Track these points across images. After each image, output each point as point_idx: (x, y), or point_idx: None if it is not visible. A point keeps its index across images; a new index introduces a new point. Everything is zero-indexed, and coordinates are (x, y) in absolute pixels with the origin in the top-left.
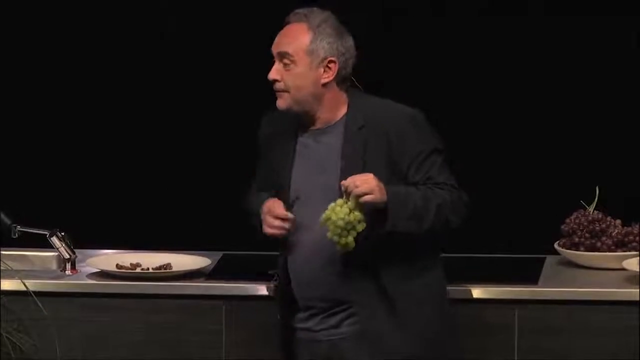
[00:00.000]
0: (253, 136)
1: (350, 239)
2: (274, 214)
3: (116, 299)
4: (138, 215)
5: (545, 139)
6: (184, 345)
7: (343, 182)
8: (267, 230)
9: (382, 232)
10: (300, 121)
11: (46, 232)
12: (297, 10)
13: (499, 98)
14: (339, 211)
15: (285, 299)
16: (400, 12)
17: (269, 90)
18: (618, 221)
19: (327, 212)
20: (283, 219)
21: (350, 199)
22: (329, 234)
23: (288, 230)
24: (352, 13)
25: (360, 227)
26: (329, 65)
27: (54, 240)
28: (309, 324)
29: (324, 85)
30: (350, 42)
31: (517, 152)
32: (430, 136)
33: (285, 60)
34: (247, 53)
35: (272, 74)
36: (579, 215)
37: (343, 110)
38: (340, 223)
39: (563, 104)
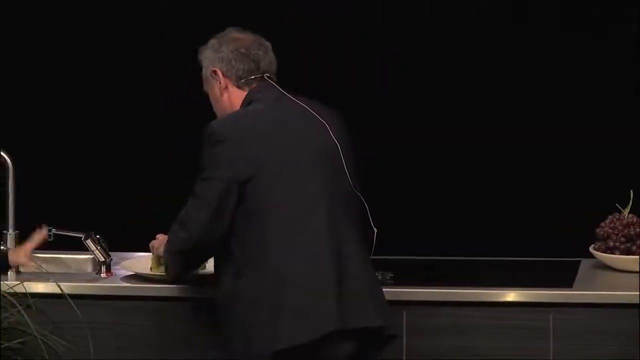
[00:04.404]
0: None
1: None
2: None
3: (151, 302)
4: (172, 217)
5: (580, 142)
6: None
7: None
8: None
9: None
10: None
11: (81, 235)
12: None
13: (530, 98)
14: None
15: None
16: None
17: None
18: None
19: None
20: None
21: None
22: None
23: None
24: (351, 13)
25: None
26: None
27: (89, 243)
28: None
29: None
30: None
31: (551, 155)
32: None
33: None
34: None
35: None
36: (614, 219)
37: None
38: None
39: (597, 106)
